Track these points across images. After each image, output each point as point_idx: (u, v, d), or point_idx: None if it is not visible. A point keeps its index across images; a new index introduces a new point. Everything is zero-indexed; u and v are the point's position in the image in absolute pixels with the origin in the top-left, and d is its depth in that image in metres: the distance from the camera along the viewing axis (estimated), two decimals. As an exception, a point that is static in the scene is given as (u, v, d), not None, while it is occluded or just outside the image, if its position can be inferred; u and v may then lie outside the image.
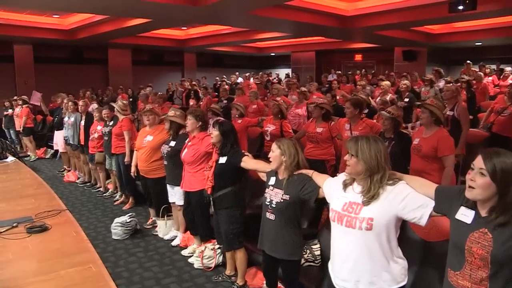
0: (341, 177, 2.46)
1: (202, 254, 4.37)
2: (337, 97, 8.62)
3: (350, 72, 14.72)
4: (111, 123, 6.53)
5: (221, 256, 4.32)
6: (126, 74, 17.31)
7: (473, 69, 11.90)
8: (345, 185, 2.37)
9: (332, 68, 16.05)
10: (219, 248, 4.33)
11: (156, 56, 18.76)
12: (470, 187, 1.86)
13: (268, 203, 3.01)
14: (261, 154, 6.03)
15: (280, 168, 3.02)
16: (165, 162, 4.86)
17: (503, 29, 12.81)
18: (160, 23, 11.89)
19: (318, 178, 2.82)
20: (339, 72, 14.35)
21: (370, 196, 2.21)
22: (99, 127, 6.80)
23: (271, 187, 3.05)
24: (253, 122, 6.60)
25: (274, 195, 2.99)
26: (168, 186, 4.91)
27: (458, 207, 1.98)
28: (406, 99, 8.08)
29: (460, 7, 9.02)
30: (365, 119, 5.09)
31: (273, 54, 21.31)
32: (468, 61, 12.28)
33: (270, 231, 3.02)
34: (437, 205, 2.12)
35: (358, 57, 19.29)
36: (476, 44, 15.32)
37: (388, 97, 8.00)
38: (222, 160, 3.73)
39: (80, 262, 2.89)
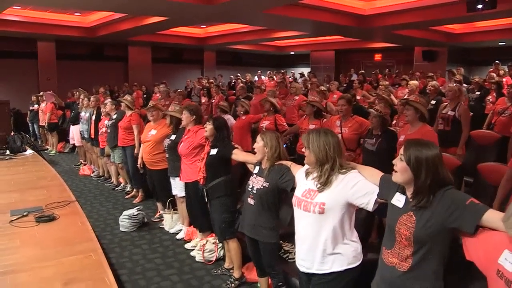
0: (306, 166, 2.66)
1: (203, 247, 4.46)
2: (358, 97, 8.60)
3: (374, 72, 14.59)
4: (114, 116, 6.75)
5: (222, 250, 4.40)
6: (145, 72, 17.52)
7: (501, 69, 11.56)
8: (307, 173, 2.61)
9: (352, 68, 15.94)
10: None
11: (176, 53, 18.88)
12: (393, 171, 2.12)
13: (250, 189, 3.25)
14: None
15: (263, 159, 3.22)
16: (167, 155, 5.06)
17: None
18: (176, 21, 12.01)
19: (295, 169, 2.98)
20: (363, 71, 14.22)
21: (322, 182, 2.44)
22: (106, 122, 7.03)
23: (254, 175, 3.29)
24: (256, 118, 6.69)
25: (256, 182, 3.23)
26: (170, 178, 5.08)
27: (394, 193, 2.20)
28: (433, 101, 7.88)
29: (479, 6, 8.81)
30: (355, 116, 5.15)
31: (293, 53, 21.25)
32: (497, 61, 11.92)
33: (250, 214, 3.25)
34: (380, 191, 2.33)
35: (378, 56, 19.11)
36: (500, 44, 14.99)
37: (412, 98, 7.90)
38: (213, 151, 3.91)
39: (82, 251, 2.98)
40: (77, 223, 3.58)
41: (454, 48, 15.59)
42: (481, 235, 1.88)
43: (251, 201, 3.23)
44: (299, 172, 2.79)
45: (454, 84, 6.56)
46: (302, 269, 2.57)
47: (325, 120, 5.49)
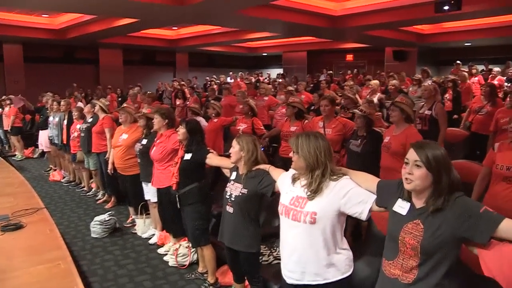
0: (292, 171, 2.52)
1: (176, 252, 4.40)
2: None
3: (341, 72, 14.76)
4: (90, 120, 6.57)
5: (196, 254, 4.34)
6: (117, 74, 17.32)
7: (462, 69, 11.95)
8: (294, 179, 2.46)
9: (324, 68, 16.10)
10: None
11: (148, 56, 18.77)
12: (407, 179, 1.93)
13: (228, 197, 3.12)
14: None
15: (240, 163, 3.12)
16: (139, 160, 4.93)
17: (490, 30, 12.89)
18: (148, 23, 11.90)
19: (274, 172, 2.89)
20: (331, 72, 14.38)
21: (313, 190, 2.29)
22: (78, 126, 6.85)
23: (232, 182, 3.17)
24: (228, 121, 6.64)
25: (234, 189, 3.10)
26: (143, 183, 4.97)
27: (396, 199, 2.06)
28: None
29: (446, 7, 9.13)
30: (338, 117, 5.13)
31: (265, 54, 21.34)
32: (458, 61, 12.33)
33: (229, 223, 3.12)
34: (379, 198, 2.20)
35: (350, 57, 19.34)
36: (466, 44, 15.40)
37: (377, 96, 8.06)
38: (187, 156, 3.81)
39: (50, 259, 2.91)
40: (46, 231, 3.49)
41: (423, 48, 15.95)
42: (504, 248, 1.74)
43: (229, 209, 3.09)
44: (283, 176, 2.66)
45: (430, 83, 6.67)
46: (290, 281, 2.42)
47: (306, 121, 5.36)
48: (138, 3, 8.50)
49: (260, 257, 3.71)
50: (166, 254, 4.61)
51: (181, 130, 3.85)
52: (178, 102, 9.92)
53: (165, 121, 4.40)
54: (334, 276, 2.32)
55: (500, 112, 5.09)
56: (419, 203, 1.96)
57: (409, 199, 2.01)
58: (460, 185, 1.89)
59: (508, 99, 5.41)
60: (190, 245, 4.37)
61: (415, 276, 1.92)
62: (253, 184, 3.00)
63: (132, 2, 8.48)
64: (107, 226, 5.28)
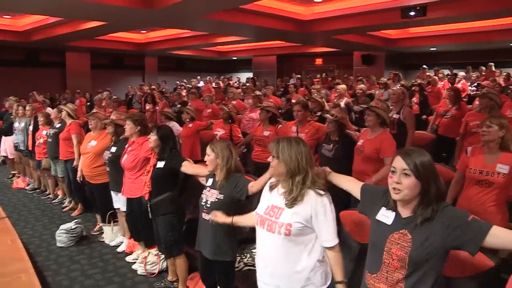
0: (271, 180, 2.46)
1: (145, 260, 4.31)
2: (293, 101, 8.67)
3: (309, 76, 14.89)
4: (58, 125, 6.35)
5: (165, 262, 4.25)
6: (84, 78, 17.00)
7: (428, 73, 12.27)
8: (271, 187, 2.37)
9: (293, 72, 16.20)
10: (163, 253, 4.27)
11: (116, 59, 18.51)
12: (395, 189, 1.86)
13: (204, 204, 3.04)
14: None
15: (216, 171, 3.05)
16: (108, 169, 4.76)
17: (455, 36, 13.32)
18: (116, 26, 11.71)
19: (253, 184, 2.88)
20: (299, 76, 14.47)
21: (293, 198, 2.19)
22: (44, 132, 6.61)
23: (208, 188, 3.10)
24: (203, 125, 6.54)
25: (209, 196, 3.03)
26: (112, 192, 4.81)
27: (380, 207, 1.99)
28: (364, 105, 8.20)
29: (412, 13, 9.41)
30: (312, 122, 5.12)
31: (235, 58, 21.37)
32: (424, 66, 12.65)
33: (205, 231, 3.05)
34: (362, 204, 2.15)
35: (319, 61, 19.52)
36: (431, 49, 15.79)
37: (344, 100, 8.14)
38: (160, 164, 3.67)
39: (11, 272, 2.81)
40: (7, 242, 3.37)
41: (391, 52, 16.27)
42: None
43: (205, 216, 3.01)
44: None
45: (398, 87, 6.77)
46: None
47: (280, 126, 5.32)
48: (105, 5, 8.33)
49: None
50: (135, 262, 4.50)
51: (153, 137, 3.71)
52: (147, 107, 9.78)
53: (137, 127, 4.21)
54: None
55: (469, 115, 5.19)
56: (405, 213, 1.90)
57: (394, 208, 1.94)
58: (446, 193, 1.85)
59: (476, 102, 5.53)
60: (159, 252, 4.29)
61: None
62: (229, 189, 2.96)
63: (99, 5, 8.30)
64: (73, 235, 5.13)
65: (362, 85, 9.09)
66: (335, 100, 8.10)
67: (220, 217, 2.72)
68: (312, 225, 2.19)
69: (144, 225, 4.17)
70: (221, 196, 2.96)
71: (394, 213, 1.92)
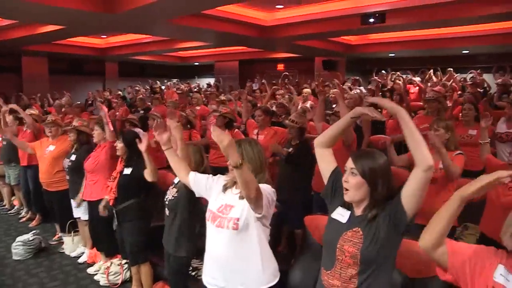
0: (222, 178, 2.50)
1: (108, 270, 4.19)
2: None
3: (274, 81, 14.92)
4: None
5: (128, 272, 4.16)
6: (42, 84, 16.40)
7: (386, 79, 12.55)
8: (225, 187, 2.42)
9: (255, 78, 16.22)
10: (126, 263, 4.17)
11: (75, 65, 18.03)
12: (346, 189, 1.95)
13: (165, 200, 3.12)
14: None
15: None
16: (68, 177, 4.64)
17: (412, 42, 13.75)
18: (75, 31, 11.41)
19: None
20: (264, 81, 14.50)
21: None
22: (-1, 137, 6.34)
23: (172, 185, 3.17)
24: None
25: (170, 193, 3.12)
26: (72, 201, 4.68)
27: (337, 206, 2.05)
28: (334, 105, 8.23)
29: (371, 20, 9.64)
30: (273, 126, 5.23)
31: (197, 63, 21.26)
32: (383, 71, 12.90)
33: (166, 226, 3.13)
34: (326, 187, 2.15)
35: (281, 66, 19.64)
36: (390, 55, 16.20)
37: (309, 104, 8.22)
38: (127, 171, 3.66)
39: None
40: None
41: (351, 58, 16.59)
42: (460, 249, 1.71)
43: (167, 212, 3.12)
44: (210, 178, 2.57)
45: (355, 92, 6.88)
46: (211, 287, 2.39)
47: (236, 130, 5.45)
48: (63, 9, 8.09)
49: (195, 272, 3.63)
50: (97, 273, 4.38)
51: (119, 144, 3.71)
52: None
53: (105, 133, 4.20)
54: (257, 285, 2.29)
55: (415, 119, 5.34)
56: (358, 211, 1.97)
57: (349, 207, 2.01)
58: (396, 192, 1.90)
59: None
60: (123, 262, 4.19)
61: (355, 285, 1.88)
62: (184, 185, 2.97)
63: (56, 8, 8.05)
64: (31, 247, 4.93)
65: (335, 90, 9.17)
66: (300, 103, 8.17)
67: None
68: (267, 214, 2.27)
69: (104, 233, 4.09)
70: (177, 194, 3.06)
71: (349, 212, 1.99)
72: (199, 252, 2.84)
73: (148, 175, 3.52)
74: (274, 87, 9.42)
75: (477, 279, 1.63)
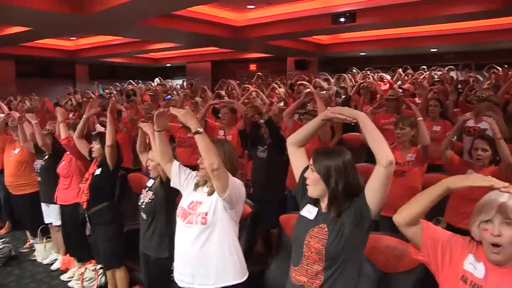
0: (195, 176, 2.56)
1: (82, 276, 4.11)
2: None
3: (246, 82, 14.92)
4: None
5: (103, 277, 4.09)
6: (9, 87, 15.92)
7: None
8: (197, 185, 2.47)
9: (228, 78, 16.18)
10: (101, 268, 4.10)
11: (44, 67, 17.68)
12: (307, 184, 2.00)
13: (141, 204, 3.06)
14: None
15: (158, 174, 3.05)
16: (39, 179, 4.54)
17: (382, 41, 14.03)
18: (43, 33, 11.21)
19: None
20: (238, 82, 14.48)
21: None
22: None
23: (146, 188, 3.13)
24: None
25: (145, 196, 3.06)
26: (43, 205, 4.58)
27: (306, 204, 2.08)
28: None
29: (342, 19, 9.78)
30: (237, 124, 5.19)
31: (169, 65, 21.12)
32: (354, 70, 13.07)
33: (143, 230, 3.06)
34: (298, 185, 2.16)
35: (253, 66, 19.70)
36: (361, 54, 16.43)
37: (282, 103, 8.25)
38: (98, 171, 3.61)
39: None
40: None
41: (323, 57, 16.78)
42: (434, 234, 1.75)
43: (143, 215, 3.07)
44: (186, 172, 2.59)
45: (325, 92, 6.95)
46: (181, 284, 2.40)
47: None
48: (30, 9, 7.90)
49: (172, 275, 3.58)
50: (71, 280, 4.28)
51: (96, 146, 3.65)
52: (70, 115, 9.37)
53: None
54: (225, 281, 2.32)
55: (378, 116, 5.44)
56: (324, 208, 2.00)
57: (316, 204, 2.04)
58: (360, 189, 1.92)
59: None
60: (97, 267, 4.12)
61: (321, 281, 1.90)
62: (159, 186, 3.00)
63: (23, 9, 7.85)
64: (0, 255, 4.80)
65: (281, 89, 9.24)
66: (275, 103, 8.18)
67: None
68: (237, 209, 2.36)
69: (76, 237, 4.01)
70: (153, 196, 3.02)
71: (317, 209, 2.02)
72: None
73: (108, 138, 3.52)
74: (245, 86, 9.39)
75: (447, 266, 1.68)
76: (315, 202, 2.04)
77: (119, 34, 12.27)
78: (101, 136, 3.69)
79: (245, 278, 2.39)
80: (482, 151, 3.26)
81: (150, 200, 3.01)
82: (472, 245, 1.68)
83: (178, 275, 2.43)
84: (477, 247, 1.66)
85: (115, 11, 8.18)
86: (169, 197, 2.92)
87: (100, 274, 4.13)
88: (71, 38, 15.29)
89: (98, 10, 8.19)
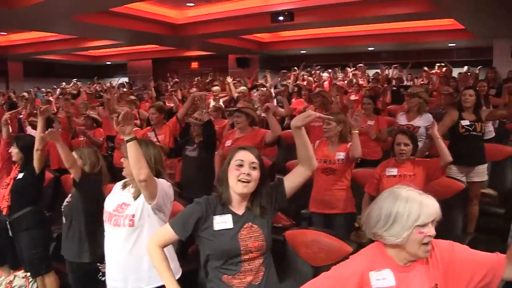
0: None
1: (11, 285, 3.94)
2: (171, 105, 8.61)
3: (187, 80, 14.84)
4: None
5: (35, 284, 3.94)
6: None
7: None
8: (125, 185, 2.46)
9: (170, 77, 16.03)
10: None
11: (-28, 65, 16.68)
12: (246, 182, 1.94)
13: (62, 207, 3.05)
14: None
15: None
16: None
17: (321, 40, 14.34)
18: (-33, 28, 10.59)
19: None
20: (177, 80, 14.35)
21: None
22: None
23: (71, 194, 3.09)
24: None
25: (66, 199, 3.05)
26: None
27: (211, 219, 1.97)
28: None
29: (280, 18, 9.95)
30: (168, 123, 5.19)
31: (109, 62, 20.58)
32: (295, 68, 13.31)
33: (64, 234, 3.03)
34: (182, 230, 2.03)
35: (195, 64, 19.63)
36: (301, 52, 16.72)
37: (221, 101, 8.28)
38: (20, 175, 3.48)
39: None
40: None
41: (264, 55, 16.93)
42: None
43: (63, 219, 3.01)
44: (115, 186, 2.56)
45: (266, 89, 7.05)
46: None
47: (136, 128, 5.33)
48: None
49: (101, 275, 3.50)
50: (-1, 288, 4.12)
51: (14, 150, 3.50)
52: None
53: None
54: (159, 281, 2.19)
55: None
56: (241, 209, 2.01)
57: (227, 210, 2.00)
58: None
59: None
60: (28, 274, 3.96)
61: (263, 272, 1.99)
62: (78, 188, 2.97)
63: None
64: None
65: (242, 88, 9.28)
66: (212, 103, 8.20)
67: None
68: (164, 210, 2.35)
69: (6, 245, 3.83)
70: (70, 199, 3.01)
71: (230, 215, 1.98)
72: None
73: (37, 142, 3.37)
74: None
75: None
76: (222, 209, 1.99)
77: (51, 30, 11.78)
78: (18, 139, 3.57)
79: (178, 276, 2.33)
80: (404, 146, 3.41)
81: (67, 203, 2.96)
82: (361, 265, 1.61)
83: (110, 282, 2.37)
84: (372, 262, 1.61)
85: (47, 6, 7.87)
86: (86, 199, 2.87)
87: (31, 281, 3.96)
88: (1, 33, 14.50)
89: (27, 5, 7.85)
